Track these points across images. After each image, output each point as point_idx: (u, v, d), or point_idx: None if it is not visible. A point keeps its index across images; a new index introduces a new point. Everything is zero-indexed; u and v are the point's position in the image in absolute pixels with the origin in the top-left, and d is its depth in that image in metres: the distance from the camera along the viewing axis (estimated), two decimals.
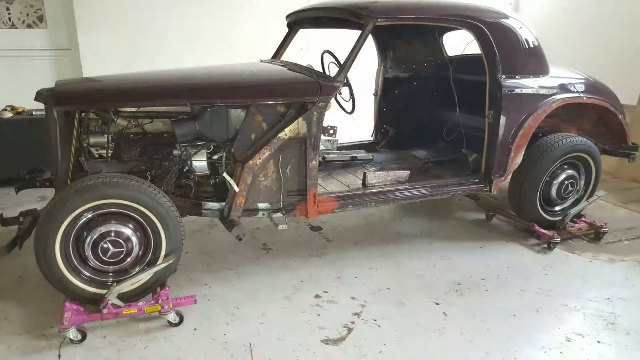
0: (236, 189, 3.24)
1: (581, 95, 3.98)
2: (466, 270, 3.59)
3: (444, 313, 3.08)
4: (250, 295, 3.25)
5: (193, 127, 3.24)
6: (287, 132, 3.26)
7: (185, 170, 3.33)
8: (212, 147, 3.35)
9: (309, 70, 3.52)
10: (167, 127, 3.50)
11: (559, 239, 3.90)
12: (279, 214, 3.44)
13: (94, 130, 3.29)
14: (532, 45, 3.81)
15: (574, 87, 3.97)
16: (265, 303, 3.16)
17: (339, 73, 3.35)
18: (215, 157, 3.36)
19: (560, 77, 3.97)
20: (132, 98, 3.13)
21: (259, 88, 3.35)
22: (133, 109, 3.24)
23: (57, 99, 2.93)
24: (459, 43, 4.53)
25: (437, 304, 3.18)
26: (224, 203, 3.37)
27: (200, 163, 3.34)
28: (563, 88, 3.92)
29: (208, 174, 3.40)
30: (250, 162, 3.23)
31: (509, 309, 3.12)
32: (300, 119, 3.26)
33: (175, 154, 3.34)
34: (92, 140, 3.26)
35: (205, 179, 3.44)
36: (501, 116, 3.69)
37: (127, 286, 2.92)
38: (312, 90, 3.28)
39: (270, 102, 3.28)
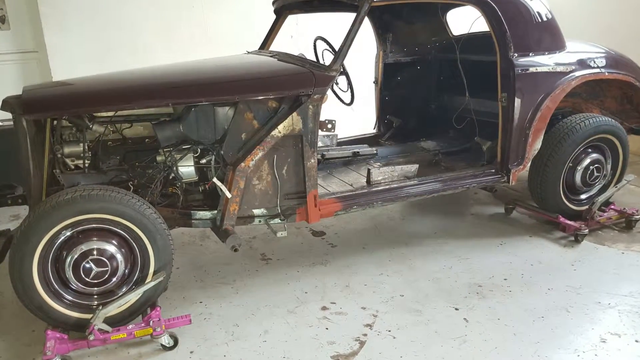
0: (228, 195, 3.24)
1: (602, 70, 3.98)
2: (487, 271, 3.59)
3: (464, 319, 3.08)
4: (251, 312, 3.25)
5: (177, 129, 3.25)
6: (280, 129, 3.26)
7: (171, 177, 3.33)
8: (199, 151, 3.35)
9: (301, 59, 3.52)
10: (148, 131, 3.52)
11: (586, 231, 3.90)
12: (276, 220, 3.44)
13: (68, 139, 3.29)
14: (545, 19, 3.81)
15: (594, 62, 3.97)
16: (268, 319, 3.16)
17: (334, 61, 3.35)
18: (203, 161, 3.36)
19: (579, 52, 3.97)
20: (108, 101, 3.11)
21: (247, 82, 3.35)
22: (110, 114, 3.24)
23: (25, 107, 2.92)
24: (466, 20, 4.53)
25: (456, 309, 3.18)
26: (215, 211, 3.37)
27: (187, 169, 3.33)
28: (582, 64, 3.92)
29: (196, 180, 3.40)
30: (242, 164, 3.22)
31: (536, 311, 3.12)
32: (294, 114, 3.26)
33: (159, 160, 3.34)
34: (67, 150, 3.26)
35: (193, 186, 3.44)
36: (515, 98, 3.69)
37: (114, 309, 2.91)
38: (306, 81, 3.27)
39: (260, 97, 3.28)
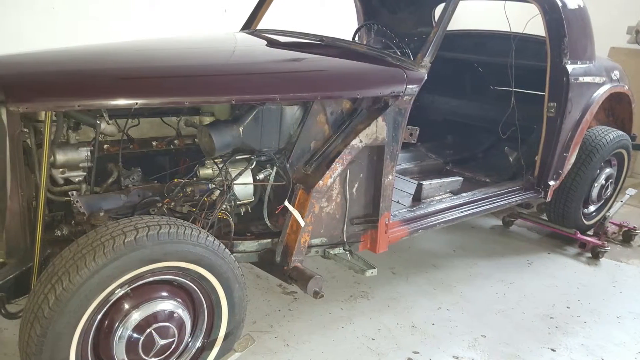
0: (302, 222, 2.58)
1: (621, 83, 4.08)
2: (542, 299, 3.47)
3: None
4: None
5: (236, 134, 2.48)
6: (362, 138, 2.68)
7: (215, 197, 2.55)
8: (254, 163, 2.61)
9: (379, 51, 2.95)
10: (155, 131, 2.70)
11: (608, 248, 3.99)
12: (338, 250, 2.87)
13: (61, 140, 2.31)
14: (589, 24, 3.74)
15: (614, 74, 4.05)
16: None
17: (423, 54, 2.85)
18: (261, 176, 2.64)
19: (603, 63, 4.00)
20: (151, 90, 2.22)
21: (332, 77, 2.70)
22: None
23: (13, 93, 1.93)
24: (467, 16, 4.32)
25: (553, 350, 2.98)
26: (265, 241, 2.69)
27: (244, 187, 2.58)
28: (608, 76, 3.96)
29: (252, 202, 2.66)
30: (321, 182, 2.59)
31: (628, 344, 3.07)
32: (379, 119, 2.71)
33: (204, 176, 2.54)
34: (61, 157, 2.29)
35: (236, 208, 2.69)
36: (566, 109, 3.58)
37: None
38: (397, 79, 2.74)
39: (342, 97, 2.67)
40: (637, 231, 4.29)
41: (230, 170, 2.54)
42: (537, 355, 2.95)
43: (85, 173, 2.35)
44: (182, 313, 2.15)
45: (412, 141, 2.97)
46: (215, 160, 2.54)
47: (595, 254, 4.00)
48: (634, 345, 3.09)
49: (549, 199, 3.79)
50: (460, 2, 2.99)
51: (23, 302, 1.97)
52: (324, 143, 2.71)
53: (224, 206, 2.52)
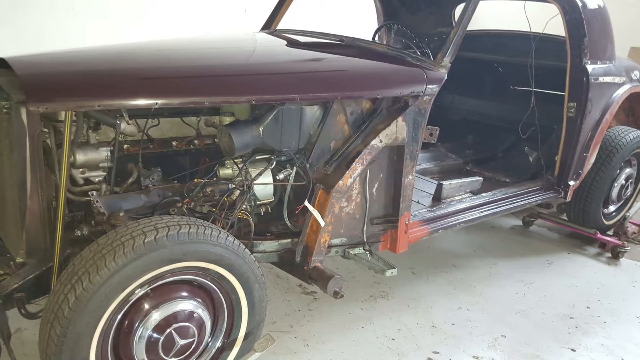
0: (322, 222, 2.48)
1: None
2: (562, 299, 3.33)
3: None
4: None
5: (256, 134, 2.39)
6: (382, 138, 2.58)
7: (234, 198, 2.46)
8: (274, 163, 2.52)
9: (399, 51, 2.85)
10: (175, 131, 2.63)
11: (628, 247, 3.83)
12: (358, 250, 2.77)
13: (81, 140, 2.24)
14: (609, 24, 3.59)
15: (634, 74, 3.88)
16: None
17: (443, 54, 2.73)
18: (281, 176, 2.55)
19: (622, 63, 3.84)
20: (172, 89, 2.14)
21: (353, 77, 2.60)
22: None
23: (32, 92, 1.86)
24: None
25: (573, 350, 2.85)
26: (285, 241, 2.59)
27: (264, 187, 2.49)
28: (627, 76, 3.80)
29: (272, 202, 2.57)
30: (341, 182, 2.49)
31: None
32: (399, 119, 2.60)
33: (223, 176, 2.46)
34: (81, 157, 2.22)
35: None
36: (586, 109, 3.43)
37: None
38: (417, 79, 2.63)
39: (362, 97, 2.57)
40: None
41: (250, 170, 2.45)
42: (557, 355, 2.82)
43: (105, 173, 2.28)
44: (202, 313, 2.07)
45: (432, 141, 2.85)
46: (235, 160, 2.46)
47: (615, 254, 3.85)
48: None
49: (569, 198, 3.64)
50: (480, 2, 2.87)
51: (43, 302, 1.91)
52: (343, 143, 2.61)
53: (244, 206, 2.44)
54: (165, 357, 2.00)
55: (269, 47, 3.04)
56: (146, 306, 1.96)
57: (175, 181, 2.44)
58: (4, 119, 2.05)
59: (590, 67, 3.40)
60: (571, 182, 3.59)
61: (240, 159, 2.45)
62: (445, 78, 2.73)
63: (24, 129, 1.98)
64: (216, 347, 2.20)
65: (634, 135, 3.84)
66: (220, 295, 2.14)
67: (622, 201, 4.13)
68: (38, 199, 2.05)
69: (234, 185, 2.42)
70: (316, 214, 2.48)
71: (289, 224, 2.62)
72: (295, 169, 2.55)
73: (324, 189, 2.51)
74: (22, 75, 1.92)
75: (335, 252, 2.75)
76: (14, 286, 1.99)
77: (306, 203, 2.49)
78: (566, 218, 4.13)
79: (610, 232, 4.10)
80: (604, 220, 4.00)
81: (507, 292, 3.36)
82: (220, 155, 2.49)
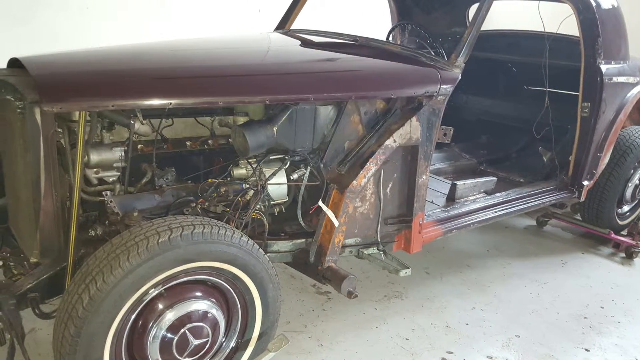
0: (336, 222, 2.42)
1: None
2: (576, 299, 3.24)
3: None
4: None
5: (269, 134, 2.33)
6: (396, 138, 2.51)
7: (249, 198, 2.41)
8: (288, 163, 2.46)
9: (413, 51, 2.78)
10: (189, 131, 2.57)
11: None
12: (372, 250, 2.70)
13: (95, 140, 2.20)
14: (623, 23, 3.49)
15: None
16: None
17: (457, 54, 2.66)
18: (295, 176, 2.49)
19: (638, 63, 3.73)
20: (184, 90, 2.09)
21: (367, 76, 2.54)
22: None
23: (46, 92, 1.81)
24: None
25: (587, 350, 2.76)
26: (300, 241, 2.53)
27: (278, 187, 2.43)
28: None
29: (286, 202, 2.51)
30: (355, 182, 2.43)
31: None
32: (413, 119, 2.53)
33: (237, 175, 2.41)
34: (95, 157, 2.18)
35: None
36: (600, 109, 3.34)
37: None
38: (431, 79, 2.56)
39: (377, 97, 2.50)
40: None
41: (264, 170, 2.39)
42: (571, 355, 2.74)
43: (119, 173, 2.24)
44: (216, 313, 2.01)
45: (446, 141, 2.78)
46: (249, 160, 2.40)
47: (629, 254, 3.74)
48: None
49: (582, 198, 3.55)
50: (494, 2, 2.80)
51: (57, 303, 1.86)
52: (357, 143, 2.55)
53: (257, 206, 2.38)
54: (179, 357, 1.95)
55: (283, 47, 2.99)
56: (160, 306, 1.91)
57: (189, 181, 2.39)
58: (18, 120, 2.01)
59: (604, 67, 3.31)
60: (585, 182, 3.49)
61: (254, 159, 2.40)
62: (459, 78, 2.65)
63: (38, 129, 1.94)
64: (230, 347, 2.15)
65: None
66: (234, 295, 2.08)
67: (636, 201, 4.02)
68: (52, 199, 2.01)
69: (248, 185, 2.37)
70: (330, 214, 2.42)
71: (303, 224, 2.56)
72: (309, 169, 2.49)
73: (338, 189, 2.45)
74: (35, 76, 1.88)
75: (349, 252, 2.69)
76: (28, 286, 1.95)
77: (320, 203, 2.43)
78: (580, 218, 4.03)
79: (624, 232, 3.99)
80: (618, 220, 3.89)
81: (521, 292, 3.27)
82: (234, 155, 2.44)
